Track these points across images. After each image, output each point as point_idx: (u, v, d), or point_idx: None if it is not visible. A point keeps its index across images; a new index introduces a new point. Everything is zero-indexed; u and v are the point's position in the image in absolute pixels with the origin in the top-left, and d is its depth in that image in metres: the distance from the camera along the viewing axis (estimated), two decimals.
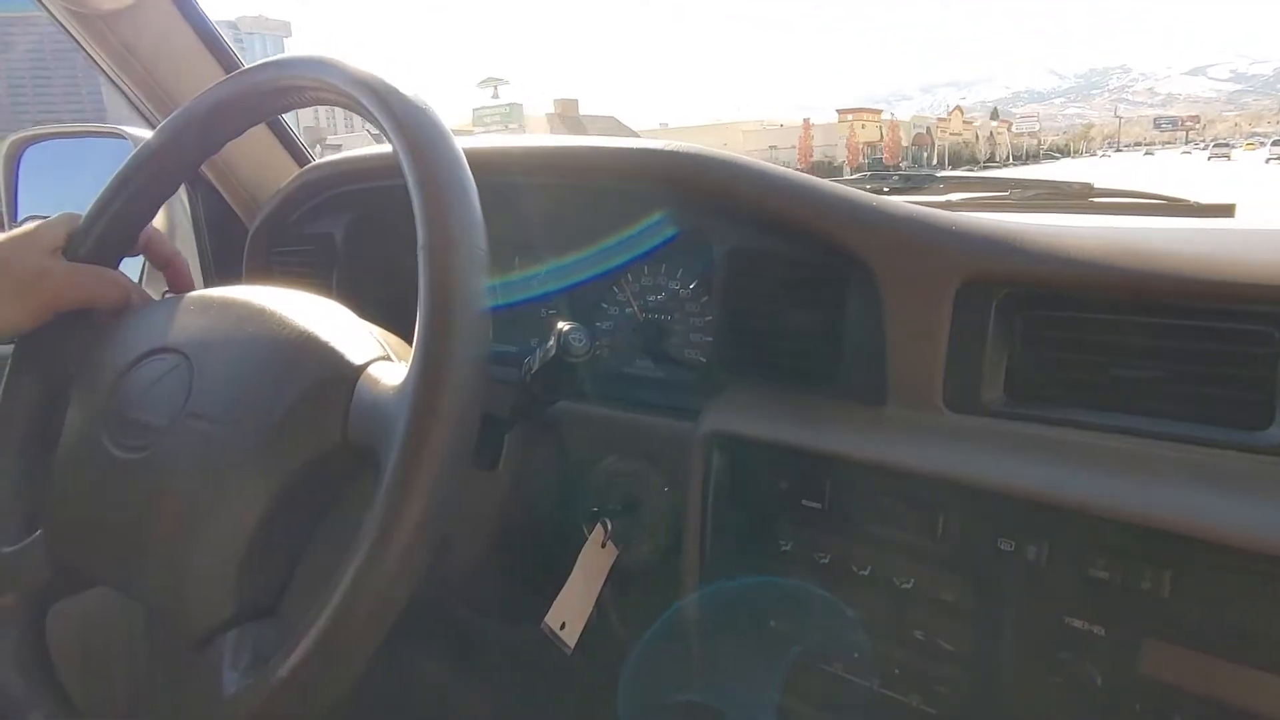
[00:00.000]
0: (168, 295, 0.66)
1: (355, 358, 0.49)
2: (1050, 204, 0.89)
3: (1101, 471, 0.50)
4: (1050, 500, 0.50)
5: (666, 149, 0.70)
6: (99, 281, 0.61)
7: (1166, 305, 0.53)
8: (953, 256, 0.59)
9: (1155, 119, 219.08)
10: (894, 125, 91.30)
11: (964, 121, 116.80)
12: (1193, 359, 0.53)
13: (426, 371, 0.42)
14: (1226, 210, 0.82)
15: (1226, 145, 69.41)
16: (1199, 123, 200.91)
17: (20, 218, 1.24)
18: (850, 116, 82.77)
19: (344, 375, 0.49)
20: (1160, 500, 0.46)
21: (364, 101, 0.51)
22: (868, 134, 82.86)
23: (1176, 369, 0.53)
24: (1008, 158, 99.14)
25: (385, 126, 0.49)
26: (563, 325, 0.58)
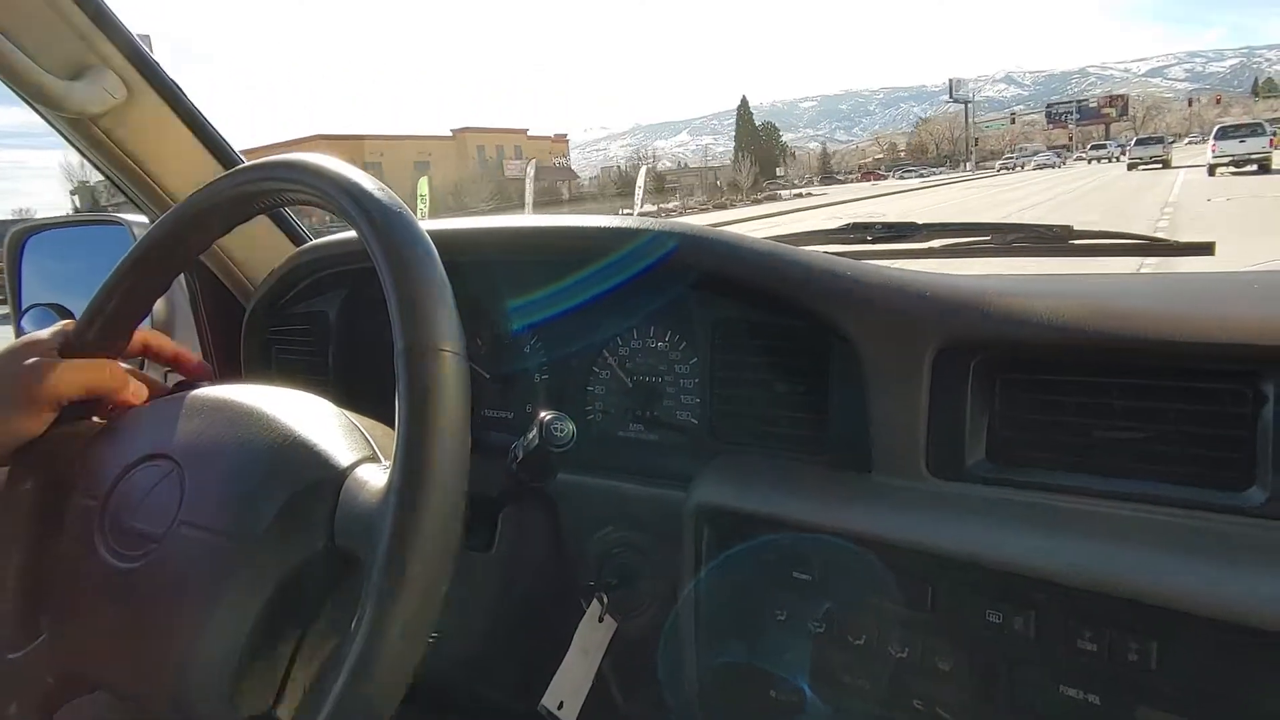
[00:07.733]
0: (180, 383, 0.67)
1: (341, 459, 0.50)
2: (1030, 248, 0.90)
3: (1081, 540, 0.50)
4: (1031, 573, 0.50)
5: (644, 228, 0.71)
6: (97, 370, 0.62)
7: (1143, 366, 0.54)
8: (928, 322, 0.60)
9: (1047, 108, 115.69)
10: None
11: None
12: (1172, 419, 0.53)
13: (407, 479, 0.43)
14: (1206, 248, 0.82)
15: (1158, 143, 34.56)
16: (1124, 103, 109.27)
17: (25, 305, 1.27)
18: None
19: (329, 478, 0.49)
20: (1139, 572, 0.46)
21: (343, 204, 0.52)
22: None
23: (1157, 429, 0.53)
24: None
25: (362, 230, 0.50)
26: (545, 415, 0.59)
